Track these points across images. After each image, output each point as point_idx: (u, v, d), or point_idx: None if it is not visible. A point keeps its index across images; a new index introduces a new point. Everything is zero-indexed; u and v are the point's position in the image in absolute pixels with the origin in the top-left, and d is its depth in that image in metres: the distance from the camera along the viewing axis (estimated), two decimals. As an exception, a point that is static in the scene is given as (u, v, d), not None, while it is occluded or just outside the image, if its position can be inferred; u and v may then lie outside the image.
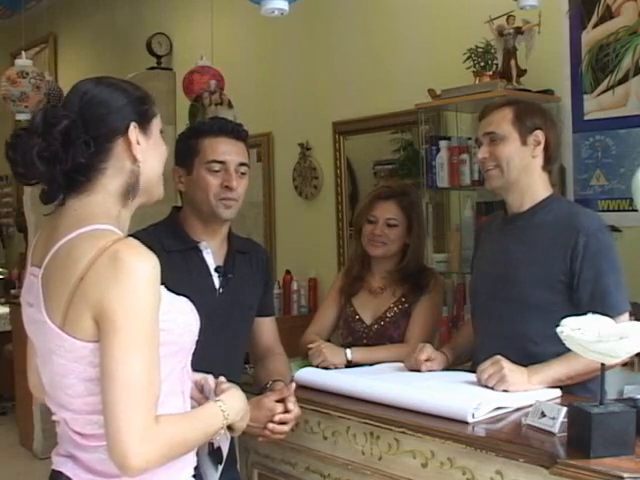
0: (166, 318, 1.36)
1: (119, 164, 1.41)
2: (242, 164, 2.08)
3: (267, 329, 2.23)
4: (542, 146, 2.09)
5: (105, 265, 1.28)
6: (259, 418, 1.79)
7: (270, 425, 1.82)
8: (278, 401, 1.85)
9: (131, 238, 1.35)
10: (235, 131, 2.10)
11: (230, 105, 4.27)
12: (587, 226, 2.02)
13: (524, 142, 2.08)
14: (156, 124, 1.48)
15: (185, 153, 2.09)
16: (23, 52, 5.24)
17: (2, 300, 6.07)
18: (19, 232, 6.96)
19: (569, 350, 1.56)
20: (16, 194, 7.35)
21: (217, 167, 2.04)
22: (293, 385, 1.91)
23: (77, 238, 1.32)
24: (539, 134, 2.09)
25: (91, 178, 1.38)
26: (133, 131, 1.41)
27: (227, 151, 2.06)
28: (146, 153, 1.43)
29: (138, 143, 1.42)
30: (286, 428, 1.85)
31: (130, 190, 1.43)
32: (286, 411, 1.84)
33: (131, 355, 1.26)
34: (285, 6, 2.61)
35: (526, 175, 2.09)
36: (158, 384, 1.31)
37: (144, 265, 1.29)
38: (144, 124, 1.44)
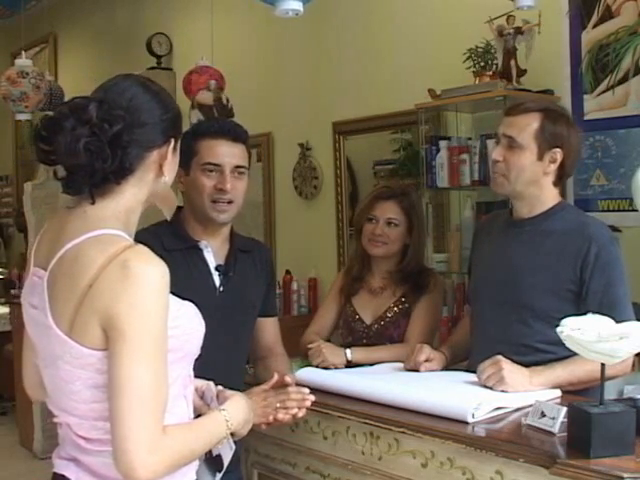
0: (174, 324, 1.34)
1: (144, 174, 1.40)
2: (238, 166, 2.06)
3: (269, 329, 2.22)
4: (557, 165, 2.05)
5: (114, 273, 1.25)
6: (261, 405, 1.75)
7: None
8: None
9: (141, 245, 1.32)
10: (233, 132, 2.08)
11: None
12: (598, 236, 2.01)
13: (540, 157, 2.03)
14: (179, 142, 1.48)
15: (184, 154, 2.08)
16: (23, 52, 5.25)
17: (2, 300, 6.06)
18: (19, 232, 6.97)
19: (570, 356, 1.55)
20: (16, 194, 7.36)
21: (212, 169, 2.04)
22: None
23: (85, 243, 1.30)
24: (557, 153, 2.04)
25: (121, 182, 1.36)
26: (172, 146, 1.42)
27: (223, 153, 2.04)
28: (169, 169, 1.44)
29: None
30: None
31: (149, 200, 1.43)
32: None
33: (140, 364, 1.24)
34: (300, 7, 2.61)
35: (535, 188, 2.06)
36: (166, 393, 1.30)
37: (154, 273, 1.28)
38: (177, 141, 1.45)
